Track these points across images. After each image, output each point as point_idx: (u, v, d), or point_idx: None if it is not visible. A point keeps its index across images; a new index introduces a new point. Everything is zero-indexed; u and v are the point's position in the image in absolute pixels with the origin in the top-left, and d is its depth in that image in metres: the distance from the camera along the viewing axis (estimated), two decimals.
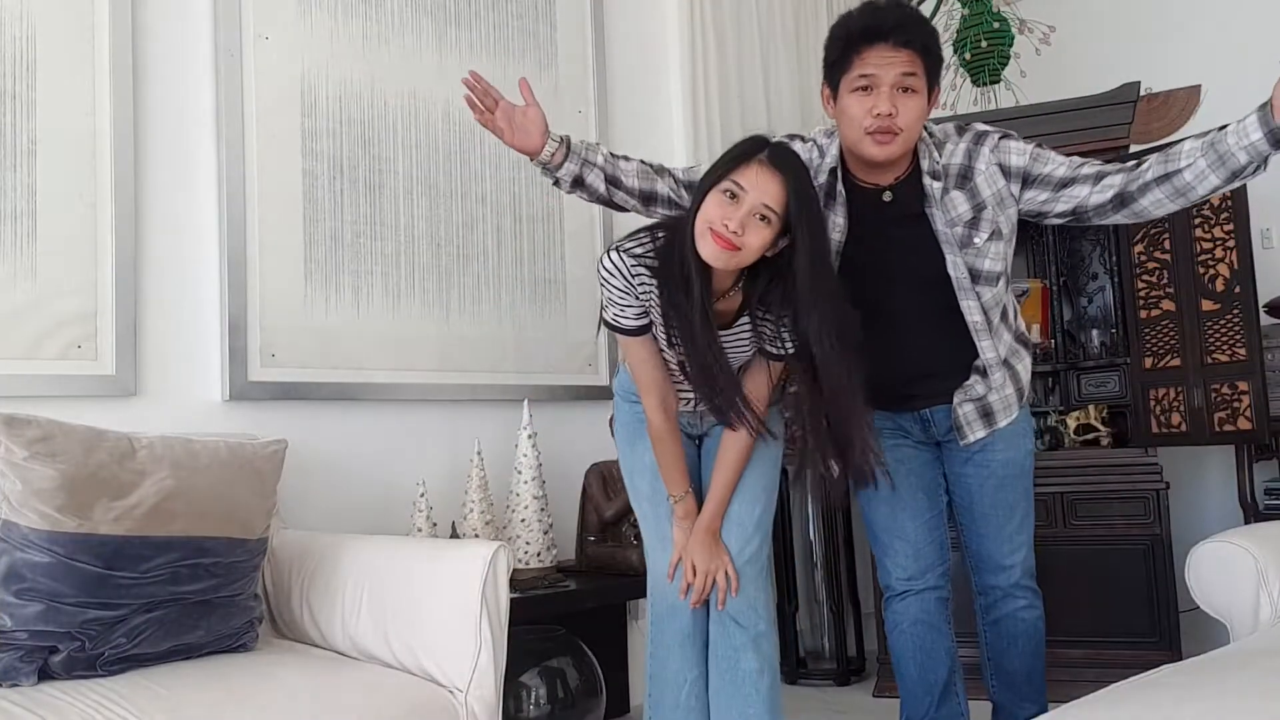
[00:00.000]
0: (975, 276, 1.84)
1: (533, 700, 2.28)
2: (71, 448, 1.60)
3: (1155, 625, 2.84)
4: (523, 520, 2.39)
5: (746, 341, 1.77)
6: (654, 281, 1.69)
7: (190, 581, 1.68)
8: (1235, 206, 2.72)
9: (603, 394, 2.97)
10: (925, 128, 1.84)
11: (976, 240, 1.82)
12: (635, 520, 2.54)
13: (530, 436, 2.44)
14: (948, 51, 3.41)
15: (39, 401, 1.95)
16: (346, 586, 1.86)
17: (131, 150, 2.15)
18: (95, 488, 1.60)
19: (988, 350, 1.88)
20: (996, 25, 3.24)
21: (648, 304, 1.72)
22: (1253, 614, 1.83)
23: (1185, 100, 3.25)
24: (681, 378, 1.81)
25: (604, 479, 2.57)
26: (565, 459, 2.75)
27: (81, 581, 1.56)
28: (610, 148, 3.05)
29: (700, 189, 1.67)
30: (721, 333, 1.74)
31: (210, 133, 2.29)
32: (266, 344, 2.31)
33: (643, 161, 1.97)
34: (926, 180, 1.81)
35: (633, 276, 1.70)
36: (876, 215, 1.84)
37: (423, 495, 2.31)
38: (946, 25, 3.42)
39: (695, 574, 1.77)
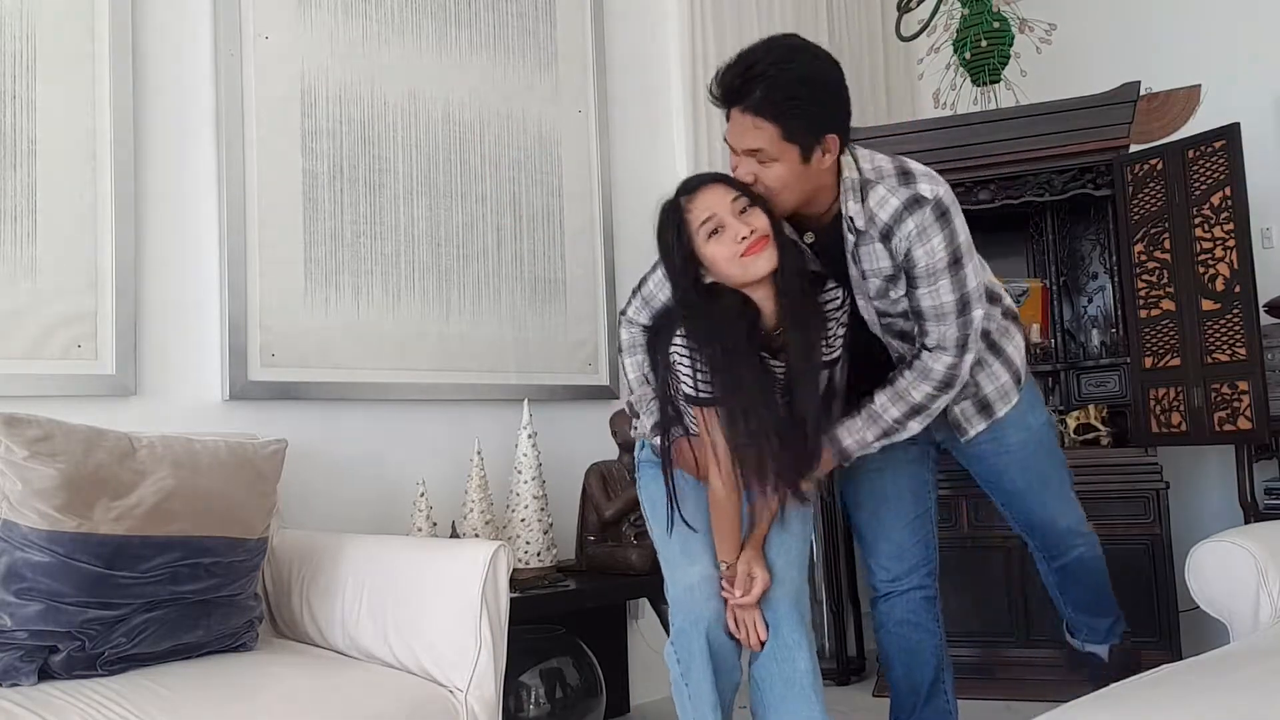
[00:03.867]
0: (884, 316, 1.79)
1: (533, 700, 2.28)
2: (71, 447, 1.60)
3: (1155, 625, 2.84)
4: (523, 520, 2.39)
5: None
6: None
7: (190, 581, 1.68)
8: (1235, 206, 2.72)
9: (603, 394, 2.97)
10: (856, 164, 1.69)
11: (892, 294, 1.73)
12: (635, 520, 2.56)
13: (530, 436, 2.44)
14: (947, 51, 3.42)
15: (39, 401, 1.95)
16: (346, 586, 1.86)
17: (131, 150, 2.15)
18: (95, 487, 1.60)
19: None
20: (996, 25, 3.24)
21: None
22: (1253, 614, 1.82)
23: (1185, 100, 3.25)
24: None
25: (604, 479, 2.57)
26: (565, 459, 2.75)
27: (81, 581, 1.56)
28: (610, 148, 3.09)
29: (683, 283, 1.66)
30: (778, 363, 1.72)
31: (210, 133, 2.29)
32: (266, 344, 2.31)
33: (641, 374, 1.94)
34: (845, 230, 1.71)
35: None
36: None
37: (423, 495, 2.31)
38: (947, 25, 3.43)
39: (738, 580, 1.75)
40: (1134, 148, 3.02)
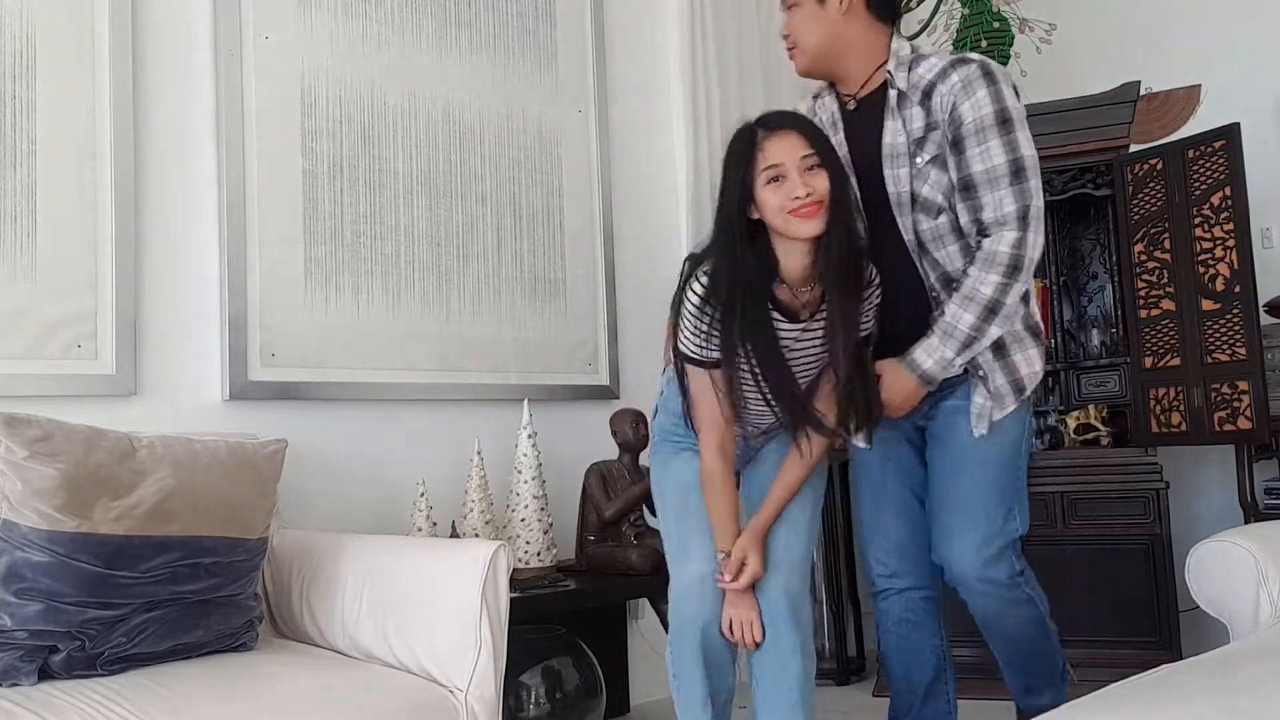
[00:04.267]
0: (913, 199, 1.77)
1: (533, 700, 2.28)
2: (71, 447, 1.60)
3: (1155, 625, 2.84)
4: (523, 520, 2.39)
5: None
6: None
7: (190, 581, 1.68)
8: (1235, 206, 2.72)
9: (603, 394, 2.97)
10: (912, 46, 1.83)
11: (919, 160, 1.75)
12: (635, 520, 2.56)
13: (530, 436, 2.44)
14: (947, 51, 3.42)
15: (39, 401, 1.95)
16: (346, 586, 1.86)
17: (131, 150, 2.15)
18: (95, 487, 1.60)
19: (928, 273, 1.79)
20: (996, 25, 3.24)
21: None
22: (1253, 614, 1.82)
23: (1185, 100, 3.25)
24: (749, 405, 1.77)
25: (604, 479, 2.57)
26: (565, 459, 2.75)
27: (81, 581, 1.56)
28: (610, 148, 3.09)
29: (730, 209, 1.65)
30: (802, 327, 1.71)
31: (210, 133, 2.29)
32: (266, 344, 2.31)
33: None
34: (889, 90, 1.79)
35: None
36: (844, 127, 1.87)
37: (423, 495, 2.31)
38: (947, 25, 3.43)
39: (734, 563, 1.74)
40: (1134, 148, 3.02)
